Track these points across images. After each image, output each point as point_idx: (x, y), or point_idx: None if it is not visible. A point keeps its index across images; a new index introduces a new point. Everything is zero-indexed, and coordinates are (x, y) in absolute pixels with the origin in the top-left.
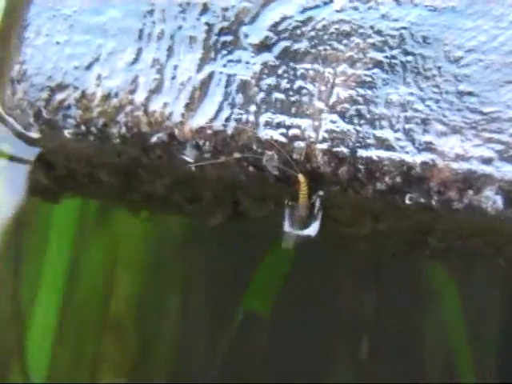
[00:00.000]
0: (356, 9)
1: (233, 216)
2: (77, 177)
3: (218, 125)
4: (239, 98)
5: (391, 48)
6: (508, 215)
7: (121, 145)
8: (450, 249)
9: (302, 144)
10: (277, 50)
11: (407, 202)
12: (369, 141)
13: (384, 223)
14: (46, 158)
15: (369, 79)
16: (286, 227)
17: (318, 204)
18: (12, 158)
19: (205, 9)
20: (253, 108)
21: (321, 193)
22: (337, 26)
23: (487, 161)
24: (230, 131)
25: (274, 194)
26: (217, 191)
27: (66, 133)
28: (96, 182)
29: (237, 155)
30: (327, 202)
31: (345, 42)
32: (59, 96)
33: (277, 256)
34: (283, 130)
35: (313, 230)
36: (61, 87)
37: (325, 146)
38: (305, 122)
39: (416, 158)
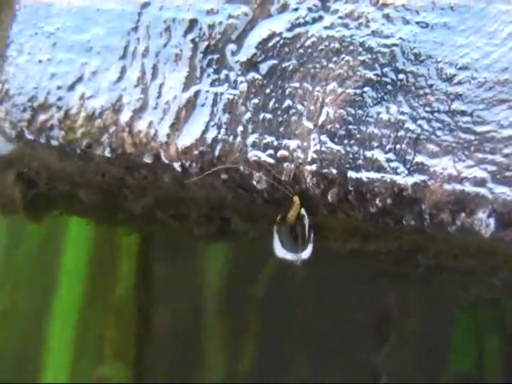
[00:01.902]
0: (346, 25)
1: (222, 234)
2: (59, 195)
3: (204, 146)
4: (226, 118)
5: (382, 66)
6: (502, 237)
7: (105, 165)
8: (443, 268)
9: (290, 165)
10: (264, 68)
11: (398, 224)
12: (359, 162)
13: (374, 243)
14: (26, 178)
15: (359, 98)
16: (278, 251)
17: (307, 224)
18: None
19: (191, 26)
20: (240, 128)
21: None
22: (326, 43)
23: (480, 182)
24: (216, 152)
25: (264, 213)
26: (204, 210)
27: (49, 153)
28: (79, 201)
29: (224, 176)
30: (317, 222)
31: (334, 59)
32: (42, 116)
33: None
34: (271, 151)
35: (306, 252)
36: (44, 107)
37: (314, 167)
38: (293, 143)
39: (407, 180)
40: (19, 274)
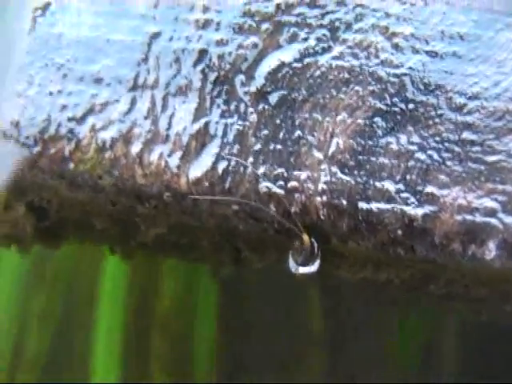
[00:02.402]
0: (355, 55)
1: (235, 263)
2: (71, 224)
3: (214, 177)
4: (236, 149)
5: (391, 95)
6: None
7: (116, 196)
8: (454, 296)
9: (300, 196)
10: (274, 98)
11: (409, 253)
12: (369, 192)
13: (385, 272)
14: (37, 207)
15: (369, 128)
16: (292, 267)
17: (316, 247)
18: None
19: (200, 56)
20: (250, 159)
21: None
22: (335, 73)
23: (491, 212)
24: (227, 184)
25: (275, 243)
26: (215, 239)
27: (60, 184)
28: (91, 229)
29: (235, 207)
30: (328, 251)
31: (344, 89)
32: (53, 148)
33: None
34: (281, 183)
35: (315, 266)
36: (54, 139)
37: (324, 198)
38: (303, 174)
39: (418, 210)
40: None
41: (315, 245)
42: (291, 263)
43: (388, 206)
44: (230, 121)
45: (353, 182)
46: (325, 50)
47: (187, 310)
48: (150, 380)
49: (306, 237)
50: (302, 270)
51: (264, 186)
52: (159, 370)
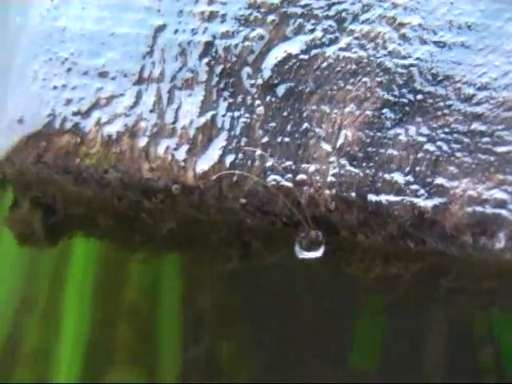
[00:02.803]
0: (362, 46)
1: (244, 258)
2: (76, 219)
3: (222, 170)
4: (243, 142)
5: (400, 86)
6: None
7: (122, 190)
8: (464, 289)
9: (309, 189)
10: (281, 90)
11: (419, 246)
12: (378, 185)
13: (395, 266)
14: (43, 203)
15: (377, 120)
16: (297, 252)
17: (320, 233)
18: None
19: (206, 49)
20: (258, 152)
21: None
22: (343, 65)
23: (501, 204)
24: (234, 177)
25: (283, 236)
26: (223, 234)
27: (65, 179)
28: (96, 224)
29: (243, 201)
30: (337, 245)
31: (351, 80)
32: (58, 143)
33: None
34: (290, 175)
35: (319, 253)
36: (59, 134)
37: (333, 190)
38: (312, 167)
39: (427, 202)
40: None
41: (319, 233)
42: (297, 248)
43: (397, 198)
44: (236, 113)
45: (362, 175)
46: (332, 42)
47: (153, 301)
48: (116, 370)
49: (311, 228)
50: (307, 254)
51: (272, 179)
52: (124, 360)
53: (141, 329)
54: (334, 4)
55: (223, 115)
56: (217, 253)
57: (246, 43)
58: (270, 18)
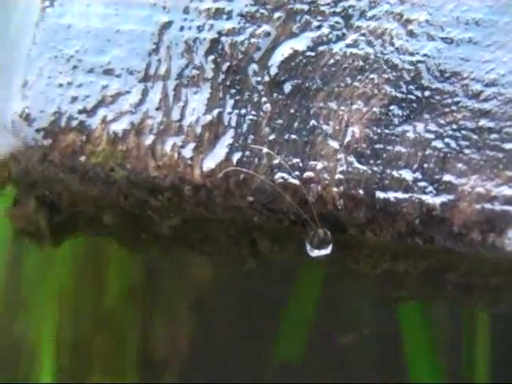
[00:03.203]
0: (369, 43)
1: (253, 256)
2: (82, 218)
3: (229, 168)
4: (250, 140)
5: (407, 83)
6: None
7: (128, 188)
8: (473, 286)
9: (317, 187)
10: (288, 87)
11: (427, 243)
12: (386, 182)
13: (403, 263)
14: (48, 202)
15: (385, 116)
16: (308, 250)
17: (329, 232)
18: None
19: (212, 46)
20: (264, 150)
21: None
22: (350, 61)
23: (510, 200)
24: (242, 175)
25: (291, 234)
26: (231, 232)
27: (71, 178)
28: (102, 223)
29: (250, 199)
30: (345, 242)
31: (359, 77)
32: (63, 141)
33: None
34: (297, 173)
35: (327, 250)
36: (65, 132)
37: (341, 188)
38: (319, 164)
39: (436, 199)
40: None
41: (328, 232)
42: (307, 246)
43: (405, 196)
44: (243, 111)
45: (369, 172)
46: (338, 38)
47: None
48: (92, 377)
49: (319, 226)
50: (317, 252)
51: (279, 176)
52: (100, 368)
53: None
54: (340, 0)
55: (229, 113)
56: (226, 252)
57: (253, 40)
58: (277, 14)
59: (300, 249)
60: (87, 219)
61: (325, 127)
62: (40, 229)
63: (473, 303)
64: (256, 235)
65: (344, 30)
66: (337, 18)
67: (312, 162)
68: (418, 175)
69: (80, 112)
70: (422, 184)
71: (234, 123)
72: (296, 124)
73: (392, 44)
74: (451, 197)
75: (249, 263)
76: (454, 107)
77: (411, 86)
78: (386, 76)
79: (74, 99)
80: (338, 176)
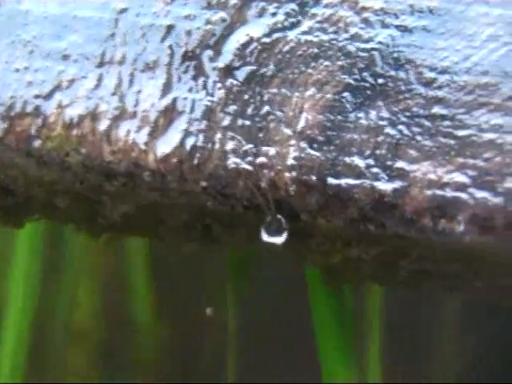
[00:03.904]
0: (324, 30)
1: (204, 241)
2: (38, 203)
3: (183, 153)
4: (204, 125)
5: (361, 70)
6: (483, 241)
7: (83, 173)
8: (427, 272)
9: (269, 172)
10: (242, 74)
11: (379, 229)
12: (339, 168)
13: (356, 249)
14: (3, 185)
15: (338, 103)
16: (263, 236)
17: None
18: None
19: (168, 32)
20: (218, 135)
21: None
22: (304, 49)
23: (461, 187)
24: (195, 160)
25: (245, 220)
26: (184, 217)
27: (27, 162)
28: (58, 207)
29: (203, 184)
30: (297, 229)
31: (313, 64)
32: (19, 126)
33: None
34: (250, 158)
35: (282, 238)
36: (21, 117)
37: (293, 173)
38: (272, 150)
39: (388, 186)
40: None
41: (282, 220)
42: (262, 233)
43: (357, 182)
44: (198, 96)
45: (322, 158)
46: (294, 25)
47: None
48: None
49: (273, 212)
50: (271, 239)
51: (232, 161)
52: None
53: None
54: None
55: (184, 98)
56: (180, 236)
57: (208, 27)
58: (233, 1)
59: (253, 236)
60: (43, 204)
61: (278, 113)
62: None
63: (431, 290)
64: (209, 221)
65: (299, 17)
66: (292, 5)
67: (265, 148)
68: (371, 161)
69: (36, 97)
70: (375, 170)
71: (188, 109)
72: (250, 110)
73: (346, 31)
74: (403, 183)
75: (200, 247)
76: (407, 94)
77: (365, 73)
78: (340, 63)
79: (30, 84)
80: (290, 162)
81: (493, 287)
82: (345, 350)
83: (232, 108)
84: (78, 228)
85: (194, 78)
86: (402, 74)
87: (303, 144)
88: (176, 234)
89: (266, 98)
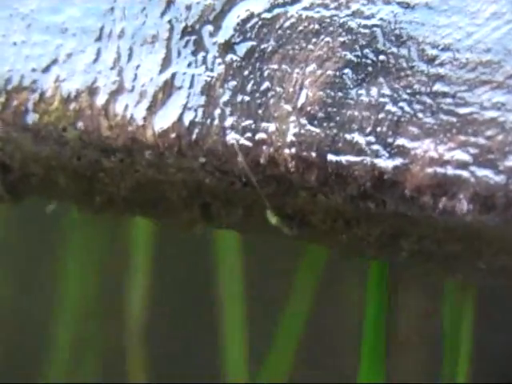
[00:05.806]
0: (325, 6)
1: (202, 220)
2: (35, 179)
3: (181, 129)
4: (203, 101)
5: (362, 47)
6: (484, 220)
7: (81, 149)
8: (427, 253)
9: (269, 149)
10: (242, 49)
11: (379, 207)
12: (339, 145)
13: (356, 228)
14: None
15: (339, 80)
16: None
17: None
18: None
19: (168, 6)
20: (217, 111)
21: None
22: (305, 24)
23: (462, 165)
24: (194, 135)
25: (243, 197)
26: (183, 195)
27: (24, 137)
28: (55, 185)
29: (202, 160)
30: (298, 207)
31: (314, 40)
32: (16, 100)
33: None
34: (249, 134)
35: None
36: (18, 90)
37: (293, 150)
38: (272, 126)
39: (388, 163)
40: None
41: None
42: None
43: (358, 159)
44: (197, 72)
45: (322, 135)
46: (295, 1)
47: None
48: None
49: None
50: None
51: (231, 137)
52: None
53: None
54: None
55: (184, 73)
56: (178, 215)
57: (208, 1)
58: None
59: (250, 214)
60: (40, 181)
61: (278, 89)
62: None
63: (431, 271)
64: (208, 198)
65: None
66: None
67: (265, 124)
68: (371, 138)
69: (33, 70)
70: (375, 147)
71: (187, 84)
72: (249, 86)
73: (348, 7)
74: (404, 160)
75: (199, 227)
76: (408, 71)
77: (366, 50)
78: (342, 39)
79: (28, 57)
80: (290, 138)
81: (494, 268)
82: None
83: (231, 84)
84: (78, 207)
85: (194, 53)
86: (403, 51)
87: (303, 120)
88: (176, 214)
89: (266, 73)
